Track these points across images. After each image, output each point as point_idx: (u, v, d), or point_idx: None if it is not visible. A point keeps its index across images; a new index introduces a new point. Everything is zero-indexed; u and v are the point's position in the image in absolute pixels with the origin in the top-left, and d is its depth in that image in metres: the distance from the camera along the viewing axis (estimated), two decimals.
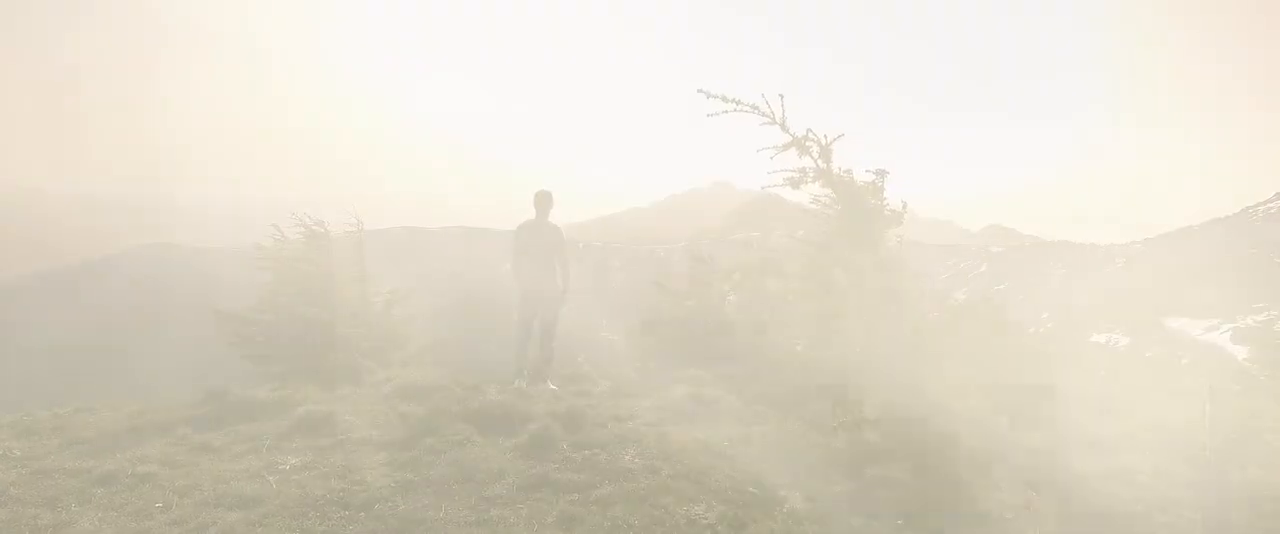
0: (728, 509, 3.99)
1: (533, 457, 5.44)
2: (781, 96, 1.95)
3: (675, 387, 7.65)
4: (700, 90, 1.92)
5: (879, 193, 10.72)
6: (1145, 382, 9.49)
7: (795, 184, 2.05)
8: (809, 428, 3.02)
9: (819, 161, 1.96)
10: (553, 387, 8.60)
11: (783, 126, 1.97)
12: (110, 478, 5.33)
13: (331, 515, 4.55)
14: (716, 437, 5.68)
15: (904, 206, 10.98)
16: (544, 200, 8.93)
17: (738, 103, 1.96)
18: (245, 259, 13.19)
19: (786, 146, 2.00)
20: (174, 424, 6.90)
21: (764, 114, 1.96)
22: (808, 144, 1.97)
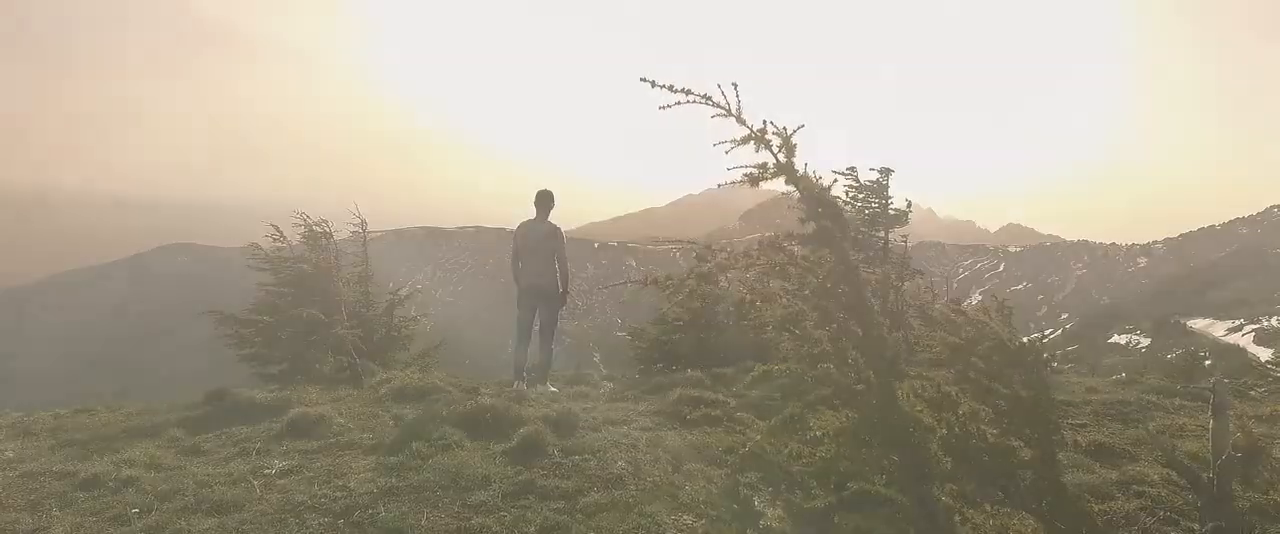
0: (705, 524, 3.85)
1: (521, 462, 5.30)
2: (735, 85, 1.81)
3: (675, 389, 7.50)
4: (643, 79, 1.77)
5: (883, 191, 10.58)
6: (1165, 384, 9.20)
7: (754, 181, 1.90)
8: (794, 436, 2.87)
9: (778, 155, 1.80)
10: (552, 389, 8.47)
11: (738, 118, 1.83)
12: (95, 482, 5.26)
13: (309, 522, 4.44)
14: (709, 442, 5.53)
15: (909, 206, 10.81)
16: (544, 200, 8.81)
17: (688, 93, 1.81)
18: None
19: (744, 140, 1.85)
20: (167, 426, 6.84)
21: (719, 106, 1.81)
22: (767, 138, 1.82)
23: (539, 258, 8.68)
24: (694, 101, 1.90)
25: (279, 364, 9.17)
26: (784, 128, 1.94)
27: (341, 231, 11.52)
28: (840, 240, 1.93)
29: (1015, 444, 2.43)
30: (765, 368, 2.31)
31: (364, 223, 11.66)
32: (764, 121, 1.93)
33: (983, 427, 2.18)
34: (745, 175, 1.98)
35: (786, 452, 2.85)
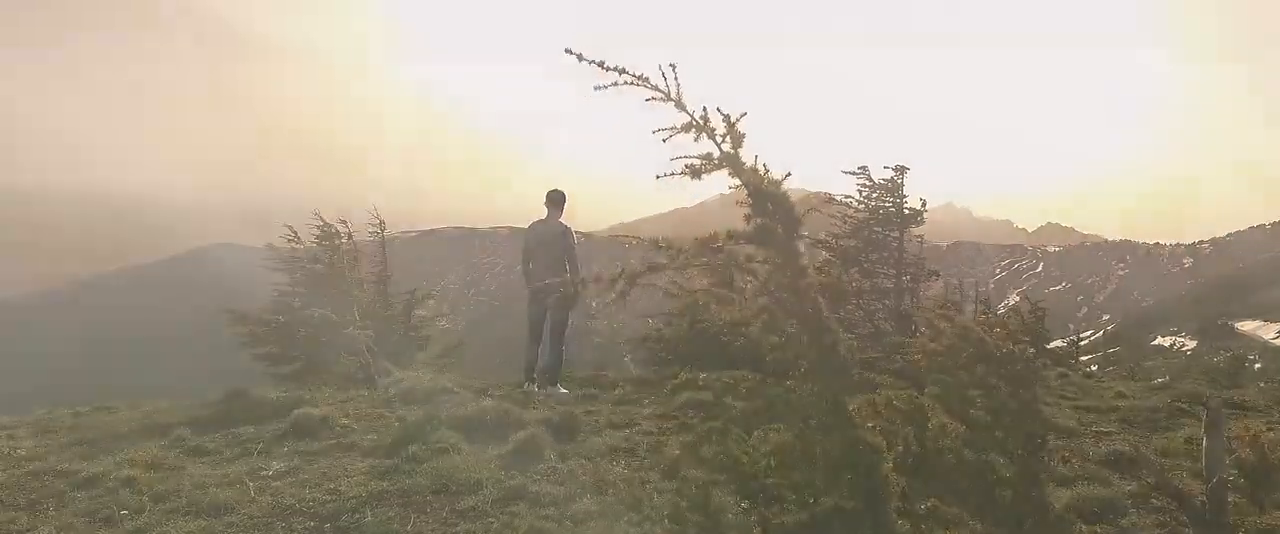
0: None
1: (515, 467, 5.20)
2: (674, 66, 1.67)
3: (683, 392, 7.34)
4: (568, 50, 1.61)
5: (898, 190, 10.28)
6: (1199, 390, 8.80)
7: (696, 173, 1.75)
8: (776, 448, 2.74)
9: (722, 145, 1.66)
10: (563, 391, 8.37)
11: (678, 104, 1.69)
12: (95, 481, 5.27)
13: (296, 527, 4.39)
14: (705, 448, 5.36)
15: (923, 205, 10.49)
16: (556, 199, 8.72)
17: (622, 73, 1.68)
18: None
19: (686, 128, 1.70)
20: (177, 425, 6.87)
21: (657, 89, 1.67)
22: (710, 126, 1.68)
23: (549, 258, 8.60)
24: (630, 83, 1.76)
25: (292, 364, 9.21)
26: (728, 115, 1.79)
27: (375, 232, 11.59)
28: (785, 240, 1.78)
29: (996, 460, 2.26)
30: (690, 376, 2.17)
31: (382, 223, 11.70)
32: (705, 108, 1.79)
33: (956, 442, 2.02)
34: (686, 167, 1.84)
35: (762, 464, 2.71)
